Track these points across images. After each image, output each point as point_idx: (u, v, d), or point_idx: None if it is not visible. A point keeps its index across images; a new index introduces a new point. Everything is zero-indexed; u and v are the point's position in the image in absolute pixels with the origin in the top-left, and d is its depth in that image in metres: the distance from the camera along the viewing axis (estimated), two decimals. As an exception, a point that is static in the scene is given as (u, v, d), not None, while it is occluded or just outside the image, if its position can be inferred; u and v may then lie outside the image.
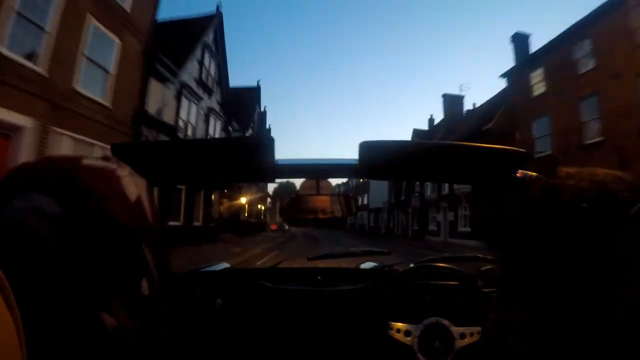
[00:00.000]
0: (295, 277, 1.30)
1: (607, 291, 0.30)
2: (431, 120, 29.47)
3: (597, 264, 0.31)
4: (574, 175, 0.37)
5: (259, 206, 26.69)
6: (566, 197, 0.35)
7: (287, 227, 34.22)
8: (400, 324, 1.03)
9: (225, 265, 1.56)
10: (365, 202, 43.10)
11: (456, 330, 1.01)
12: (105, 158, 0.45)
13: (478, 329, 1.01)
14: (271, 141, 0.91)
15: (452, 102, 24.98)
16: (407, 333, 1.02)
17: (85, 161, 0.42)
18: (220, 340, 1.07)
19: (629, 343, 0.29)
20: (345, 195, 1.23)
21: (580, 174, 0.36)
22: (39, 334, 0.28)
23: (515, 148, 0.95)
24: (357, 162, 0.99)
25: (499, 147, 0.94)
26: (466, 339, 1.00)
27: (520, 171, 0.99)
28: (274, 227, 32.51)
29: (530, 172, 0.97)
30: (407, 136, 33.05)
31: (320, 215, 1.15)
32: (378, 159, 1.00)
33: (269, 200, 36.27)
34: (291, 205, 1.19)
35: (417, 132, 29.14)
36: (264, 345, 1.06)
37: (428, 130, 28.15)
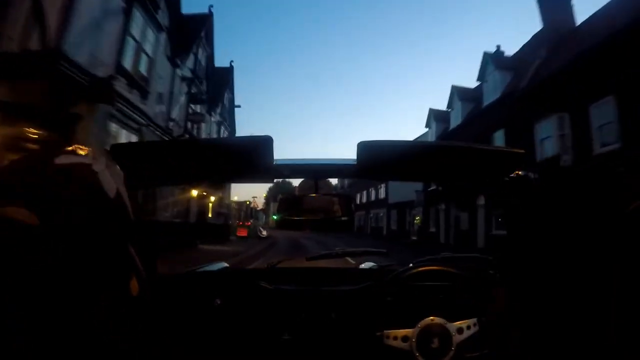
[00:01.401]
0: (294, 277, 1.31)
1: (608, 290, 0.32)
2: (499, 51, 17.02)
3: (600, 262, 0.33)
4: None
5: (193, 193, 13.74)
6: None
7: (264, 232, 23.57)
8: (396, 330, 1.01)
9: (224, 264, 1.61)
10: (383, 195, 30.97)
11: (452, 326, 1.00)
12: (79, 152, 0.40)
13: (473, 320, 1.00)
14: (269, 141, 0.92)
15: (554, 5, 13.28)
16: (405, 339, 1.00)
17: (58, 160, 0.38)
18: (220, 341, 1.06)
19: (629, 342, 0.31)
20: (343, 195, 1.22)
21: None
22: (30, 339, 0.28)
23: (513, 149, 0.97)
24: (355, 162, 1.00)
25: (497, 147, 0.67)
26: (463, 334, 1.00)
27: (517, 171, 0.99)
28: (242, 233, 20.69)
29: (530, 172, 0.97)
30: (405, 136, 29.25)
31: (319, 216, 1.13)
32: (377, 159, 1.01)
33: (232, 191, 24.45)
34: (285, 206, 1.16)
35: (434, 112, 21.53)
36: (262, 346, 1.06)
37: (497, 57, 15.86)
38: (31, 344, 0.29)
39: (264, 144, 0.91)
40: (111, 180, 0.39)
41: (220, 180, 1.59)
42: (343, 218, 1.11)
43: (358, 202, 37.91)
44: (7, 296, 0.28)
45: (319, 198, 1.12)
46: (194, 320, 1.06)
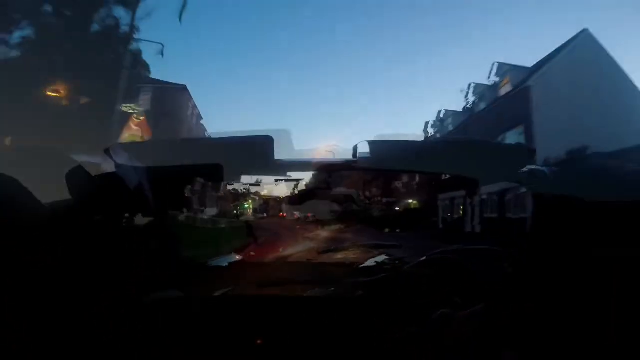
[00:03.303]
0: (304, 271, 1.36)
1: (608, 291, 0.32)
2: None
3: (601, 263, 0.32)
4: None
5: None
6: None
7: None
8: (408, 323, 1.01)
9: (234, 258, 1.63)
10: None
11: (461, 315, 0.99)
12: (92, 152, 0.36)
13: (481, 306, 0.98)
14: (270, 140, 0.96)
15: None
16: (416, 332, 0.99)
17: (71, 159, 0.38)
18: (220, 341, 1.02)
19: (629, 342, 0.31)
20: (346, 195, 0.75)
21: None
22: (30, 339, 0.28)
23: (522, 143, 0.79)
24: (356, 161, 1.04)
25: (505, 143, 0.75)
26: (472, 321, 0.97)
27: (528, 166, 0.99)
28: None
29: (539, 168, 0.98)
30: (405, 136, 25.64)
31: (321, 210, 0.80)
32: (378, 157, 1.02)
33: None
34: (299, 201, 0.96)
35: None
36: (267, 343, 1.03)
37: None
38: (31, 344, 0.31)
39: (265, 143, 0.95)
40: (122, 180, 0.44)
41: (221, 179, 1.25)
42: (351, 209, 1.24)
43: (443, 178, 17.88)
44: (7, 296, 0.30)
45: (325, 195, 1.16)
46: (194, 320, 1.04)
